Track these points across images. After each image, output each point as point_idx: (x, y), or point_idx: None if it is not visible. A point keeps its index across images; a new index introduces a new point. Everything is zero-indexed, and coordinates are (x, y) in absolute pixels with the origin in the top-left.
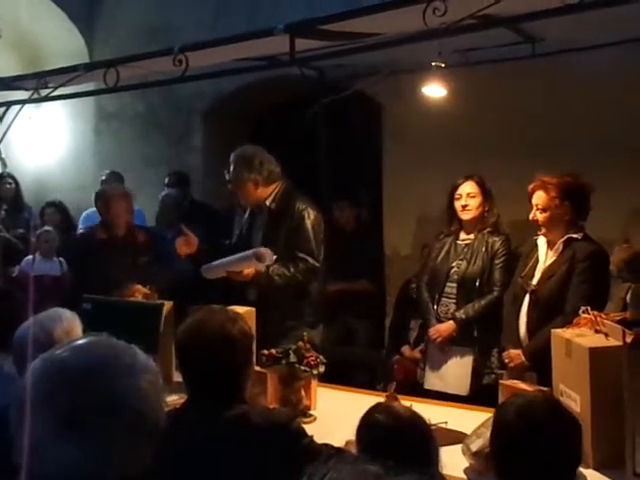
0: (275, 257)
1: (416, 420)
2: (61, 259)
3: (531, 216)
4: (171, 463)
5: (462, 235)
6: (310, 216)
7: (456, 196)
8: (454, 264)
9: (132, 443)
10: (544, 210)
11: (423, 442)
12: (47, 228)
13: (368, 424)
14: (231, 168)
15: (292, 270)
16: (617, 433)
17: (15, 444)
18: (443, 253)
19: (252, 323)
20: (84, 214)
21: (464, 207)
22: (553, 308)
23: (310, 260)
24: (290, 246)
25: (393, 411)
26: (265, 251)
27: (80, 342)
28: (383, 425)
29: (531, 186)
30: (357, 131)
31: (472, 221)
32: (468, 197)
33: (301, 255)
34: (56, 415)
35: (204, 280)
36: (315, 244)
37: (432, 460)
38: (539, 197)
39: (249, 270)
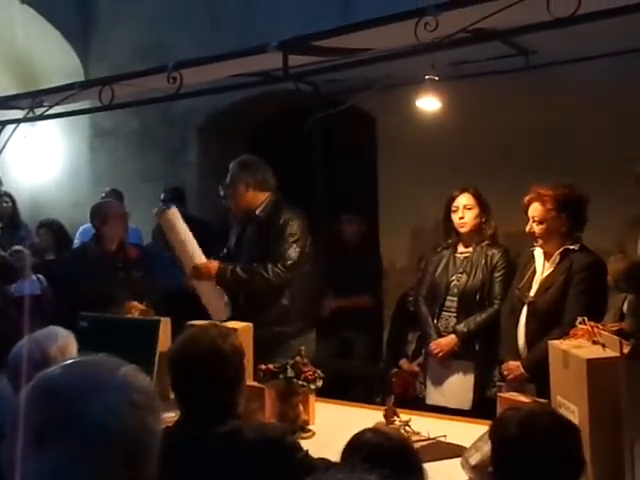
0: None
1: (402, 443)
2: (40, 276)
3: (527, 228)
4: None
5: (460, 248)
6: (293, 224)
7: (453, 208)
8: (454, 277)
9: (103, 464)
10: (540, 222)
11: (409, 466)
12: (17, 248)
13: (353, 447)
14: (229, 175)
15: (259, 268)
16: (616, 444)
17: (3, 463)
18: (442, 266)
19: (249, 339)
20: (81, 229)
21: (461, 219)
22: (551, 319)
23: (285, 262)
24: (267, 250)
25: (380, 434)
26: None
27: (71, 361)
28: (369, 446)
29: (527, 198)
30: (352, 145)
31: (470, 233)
32: (465, 209)
33: (274, 257)
34: (29, 433)
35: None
36: (291, 249)
37: None
38: (535, 209)
39: (211, 265)
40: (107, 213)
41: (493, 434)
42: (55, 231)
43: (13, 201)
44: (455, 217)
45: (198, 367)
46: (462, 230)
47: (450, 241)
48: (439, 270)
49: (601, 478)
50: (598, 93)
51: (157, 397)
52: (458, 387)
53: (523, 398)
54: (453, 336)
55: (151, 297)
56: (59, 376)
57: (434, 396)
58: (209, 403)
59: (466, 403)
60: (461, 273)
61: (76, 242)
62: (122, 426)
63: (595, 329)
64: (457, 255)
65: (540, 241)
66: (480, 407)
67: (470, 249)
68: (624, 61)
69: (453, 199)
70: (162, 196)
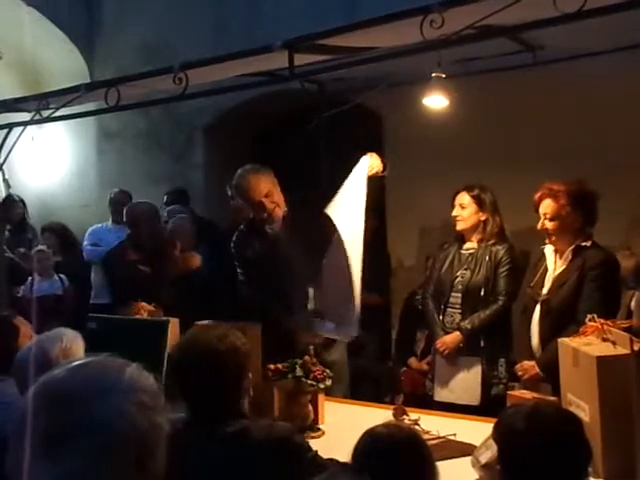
0: None
1: (413, 434)
2: (62, 276)
3: (539, 225)
4: None
5: (466, 244)
6: None
7: (453, 206)
8: (458, 274)
9: (112, 466)
10: (553, 218)
11: (419, 463)
12: (41, 247)
13: (365, 441)
14: (270, 180)
15: None
16: (627, 442)
17: (8, 467)
18: (447, 263)
19: (257, 338)
20: (90, 230)
21: (455, 217)
22: (565, 317)
23: None
24: None
25: (391, 426)
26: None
27: (75, 363)
28: (381, 438)
29: (538, 194)
30: (358, 144)
31: (467, 230)
32: (459, 208)
33: None
34: (37, 437)
35: (211, 295)
36: None
37: None
38: (547, 205)
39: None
40: (137, 214)
41: (498, 430)
42: (59, 234)
43: (24, 205)
44: (453, 214)
45: (195, 368)
46: (457, 227)
47: (454, 237)
48: (445, 267)
49: (612, 475)
50: (606, 88)
51: (162, 396)
52: (465, 383)
53: (533, 395)
54: (457, 333)
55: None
56: (64, 379)
57: (442, 393)
58: (210, 403)
59: (474, 399)
60: (465, 269)
61: (85, 243)
62: (131, 427)
63: (605, 326)
64: (462, 252)
65: (552, 238)
66: (487, 404)
67: (475, 245)
68: (632, 56)
69: (454, 197)
70: (165, 198)
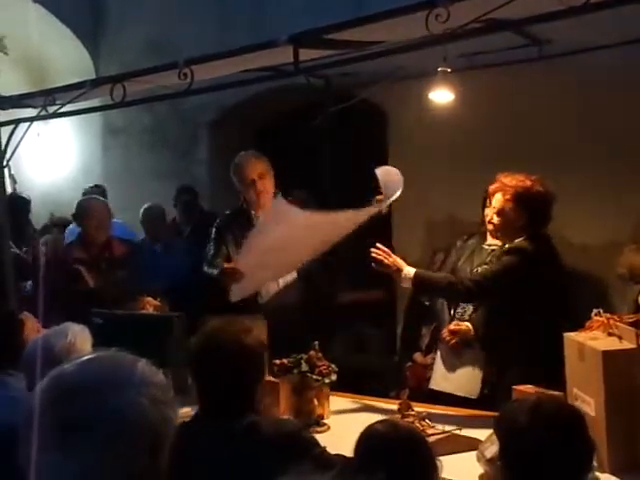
0: None
1: (410, 432)
2: None
3: (488, 219)
4: (182, 475)
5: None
6: None
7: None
8: (477, 268)
9: (126, 458)
10: (498, 213)
11: (416, 461)
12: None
13: (363, 438)
14: (260, 167)
15: None
16: (633, 436)
17: (19, 461)
18: (466, 255)
19: (263, 335)
20: (67, 230)
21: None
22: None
23: None
24: None
25: (388, 424)
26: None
27: (85, 357)
28: (377, 436)
29: (492, 187)
30: (363, 139)
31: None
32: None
33: None
34: (49, 430)
35: (211, 292)
36: None
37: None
38: (497, 200)
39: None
40: (89, 211)
41: (500, 425)
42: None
43: (29, 203)
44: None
45: (223, 363)
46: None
47: (482, 229)
48: (463, 259)
49: (618, 469)
50: (614, 82)
51: (172, 390)
52: (468, 376)
53: (536, 390)
54: (467, 324)
55: (134, 295)
56: (75, 373)
57: (441, 383)
58: (230, 399)
59: (474, 392)
60: (486, 264)
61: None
62: (145, 421)
63: (611, 321)
64: (484, 247)
65: (498, 234)
66: (489, 398)
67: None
68: (639, 49)
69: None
70: (175, 195)
